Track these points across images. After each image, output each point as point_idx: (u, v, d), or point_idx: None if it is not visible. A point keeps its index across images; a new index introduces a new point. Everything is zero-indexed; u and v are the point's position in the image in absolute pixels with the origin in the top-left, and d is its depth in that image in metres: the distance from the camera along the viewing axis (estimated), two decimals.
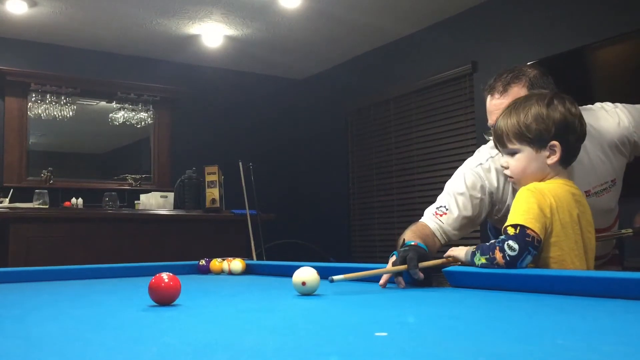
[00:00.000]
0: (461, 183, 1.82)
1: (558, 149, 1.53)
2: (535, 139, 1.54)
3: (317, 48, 5.40)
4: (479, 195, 1.81)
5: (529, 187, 1.53)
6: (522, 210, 1.47)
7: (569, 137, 1.53)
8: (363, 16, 4.65)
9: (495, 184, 1.81)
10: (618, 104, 1.92)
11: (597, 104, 1.93)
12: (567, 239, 1.50)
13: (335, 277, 1.49)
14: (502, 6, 4.34)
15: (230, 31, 4.93)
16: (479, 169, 1.83)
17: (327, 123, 6.03)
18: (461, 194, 1.81)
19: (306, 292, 1.44)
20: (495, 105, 1.81)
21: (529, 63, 3.85)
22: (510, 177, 1.65)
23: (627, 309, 1.08)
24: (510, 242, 1.42)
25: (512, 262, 1.42)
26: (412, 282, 1.55)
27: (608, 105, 1.91)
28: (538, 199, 1.48)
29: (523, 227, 1.44)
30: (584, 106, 1.89)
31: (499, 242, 1.45)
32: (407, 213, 5.08)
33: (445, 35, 4.78)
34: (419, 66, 5.00)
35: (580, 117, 1.55)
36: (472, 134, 4.55)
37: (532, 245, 1.43)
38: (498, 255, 1.43)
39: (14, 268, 2.35)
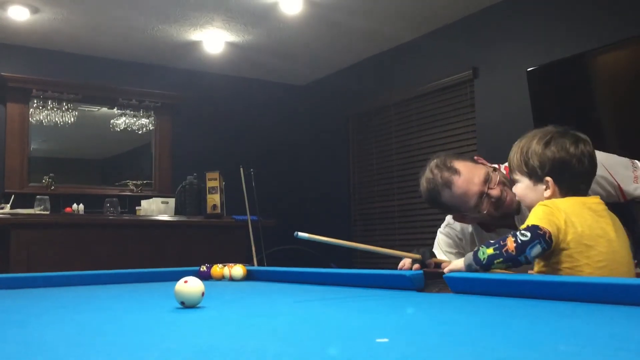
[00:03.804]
0: (438, 250, 2.12)
1: (551, 185, 1.64)
2: (531, 173, 1.67)
3: (318, 54, 5.41)
4: (455, 250, 2.11)
5: (543, 202, 1.61)
6: (534, 218, 1.54)
7: (564, 174, 1.64)
8: (364, 22, 4.66)
9: (459, 227, 2.12)
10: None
11: None
12: (584, 251, 1.52)
13: (300, 234, 1.58)
14: (502, 12, 4.35)
15: (232, 37, 4.94)
16: (447, 229, 2.13)
17: (328, 129, 6.03)
18: (443, 252, 2.12)
19: (189, 304, 1.35)
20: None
21: (529, 69, 3.88)
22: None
23: (629, 315, 1.08)
24: (523, 231, 1.49)
25: (522, 246, 1.46)
26: (414, 287, 1.56)
27: None
28: (550, 210, 1.55)
29: (535, 225, 1.50)
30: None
31: (513, 233, 1.50)
32: (408, 219, 5.07)
33: (445, 41, 4.79)
34: (420, 72, 5.01)
35: (581, 156, 1.64)
36: (472, 139, 4.55)
37: (543, 237, 1.48)
38: (510, 241, 1.47)
39: (15, 274, 2.35)
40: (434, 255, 1.88)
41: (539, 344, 0.85)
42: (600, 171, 1.85)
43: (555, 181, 1.64)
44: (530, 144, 1.68)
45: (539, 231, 1.48)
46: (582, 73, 3.72)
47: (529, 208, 1.69)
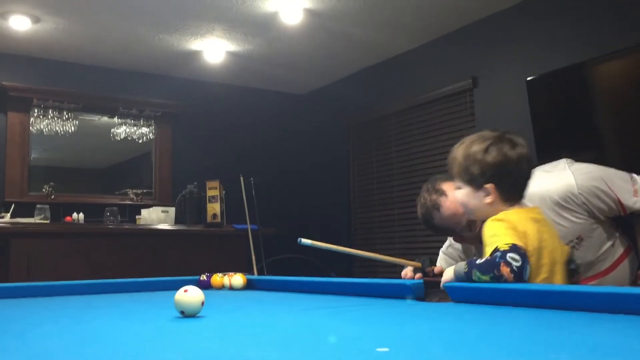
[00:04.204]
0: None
1: (492, 191, 1.63)
2: (472, 180, 1.66)
3: (318, 63, 5.42)
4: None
5: (495, 218, 1.59)
6: (501, 235, 1.51)
7: (504, 180, 1.63)
8: (364, 32, 4.68)
9: (460, 246, 2.11)
10: (577, 164, 1.97)
11: (562, 162, 1.98)
12: (533, 263, 1.53)
13: (304, 240, 1.57)
14: (502, 21, 4.37)
15: (232, 47, 4.96)
16: (450, 249, 2.12)
17: (328, 138, 6.04)
18: None
19: (189, 313, 1.35)
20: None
21: (529, 78, 3.89)
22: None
23: (630, 325, 1.08)
24: (511, 254, 1.43)
25: (519, 274, 1.42)
26: (415, 297, 1.56)
27: (560, 163, 1.99)
28: (510, 224, 1.55)
29: (514, 245, 1.47)
30: (543, 167, 2.03)
31: (499, 257, 1.44)
32: (408, 227, 5.07)
33: (445, 50, 4.80)
34: (420, 81, 5.02)
35: (519, 160, 1.63)
36: None
37: (526, 256, 1.46)
38: (505, 270, 1.42)
39: (15, 283, 2.34)
40: (433, 264, 1.89)
41: (540, 354, 0.84)
42: (600, 185, 1.86)
43: (496, 187, 1.63)
44: (469, 151, 1.67)
45: (521, 251, 1.45)
46: (581, 82, 3.73)
47: (472, 216, 1.71)
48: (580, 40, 3.83)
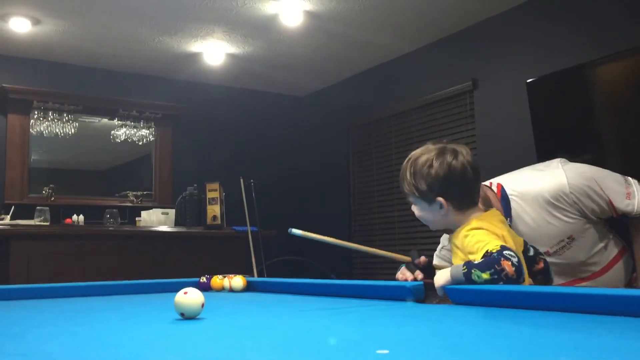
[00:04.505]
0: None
1: (444, 203, 1.67)
2: (423, 196, 1.71)
3: (318, 65, 5.43)
4: None
5: (472, 227, 1.63)
6: (486, 240, 1.54)
7: (452, 190, 1.67)
8: (364, 34, 4.68)
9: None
10: (570, 163, 1.96)
11: (555, 161, 1.98)
12: None
13: (294, 230, 1.70)
14: (502, 24, 4.37)
15: (232, 49, 4.96)
16: (443, 251, 2.07)
17: (328, 139, 6.04)
18: None
19: (188, 315, 1.35)
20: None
21: (529, 80, 3.89)
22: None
23: (630, 327, 1.08)
24: (507, 252, 1.46)
25: (519, 268, 1.44)
26: (415, 299, 1.56)
27: (554, 162, 1.98)
28: (490, 230, 1.59)
29: (504, 246, 1.50)
30: (537, 165, 2.05)
31: (497, 254, 1.46)
32: (408, 230, 5.07)
33: (445, 52, 4.81)
34: (420, 83, 5.03)
35: (463, 169, 1.66)
36: (472, 150, 4.55)
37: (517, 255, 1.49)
38: (506, 263, 1.43)
39: (14, 285, 2.34)
40: (422, 255, 1.86)
41: (540, 355, 0.84)
42: (591, 184, 1.86)
43: (447, 198, 1.67)
44: (414, 169, 1.71)
45: (511, 251, 1.48)
46: (582, 84, 3.73)
47: (433, 228, 1.75)
48: (581, 42, 3.83)
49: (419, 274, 1.75)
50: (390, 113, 5.30)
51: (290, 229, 1.66)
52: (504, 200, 1.89)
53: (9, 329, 1.34)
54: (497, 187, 1.92)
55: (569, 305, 1.27)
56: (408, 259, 1.80)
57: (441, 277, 1.54)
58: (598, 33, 3.75)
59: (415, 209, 1.78)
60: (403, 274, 1.81)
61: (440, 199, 1.67)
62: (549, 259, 1.80)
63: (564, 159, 1.97)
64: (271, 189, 5.64)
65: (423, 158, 1.71)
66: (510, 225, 1.81)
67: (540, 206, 1.86)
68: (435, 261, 2.13)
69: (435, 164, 1.67)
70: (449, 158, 1.67)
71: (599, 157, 3.44)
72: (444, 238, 2.09)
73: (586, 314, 1.22)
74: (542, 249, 1.82)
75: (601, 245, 1.92)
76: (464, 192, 1.68)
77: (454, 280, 1.49)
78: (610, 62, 3.59)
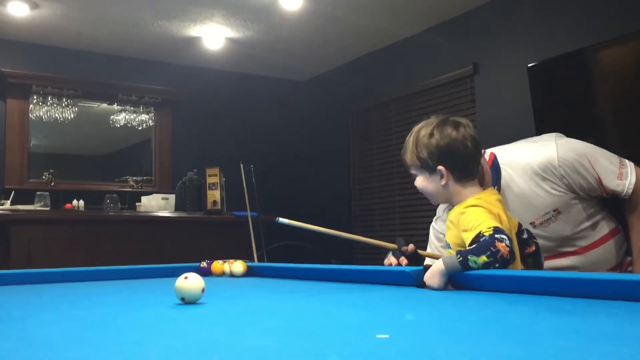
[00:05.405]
0: (432, 246, 2.12)
1: (445, 172, 1.72)
2: (424, 165, 1.76)
3: (318, 50, 5.40)
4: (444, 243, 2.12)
5: (470, 204, 1.65)
6: (481, 220, 1.56)
7: (452, 160, 1.72)
8: (364, 18, 4.65)
9: (445, 217, 2.09)
10: (565, 138, 1.96)
11: (551, 135, 1.99)
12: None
13: (281, 219, 1.72)
14: (503, 8, 4.34)
15: (232, 33, 4.93)
16: (439, 222, 2.08)
17: (328, 124, 6.03)
18: (436, 247, 2.12)
19: (189, 300, 1.34)
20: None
21: (529, 65, 3.87)
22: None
23: (629, 311, 1.08)
24: (499, 234, 1.48)
25: (512, 250, 1.47)
26: (415, 283, 1.56)
27: (549, 136, 1.99)
28: (487, 208, 1.62)
29: (497, 227, 1.52)
30: (533, 138, 2.06)
31: (489, 237, 1.48)
32: (408, 215, 5.08)
33: (446, 36, 4.78)
34: (420, 68, 5.01)
35: (464, 140, 1.71)
36: None
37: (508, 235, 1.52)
38: (500, 245, 1.45)
39: (15, 270, 2.35)
40: (408, 243, 1.85)
41: (539, 339, 0.85)
42: (582, 160, 1.86)
43: (447, 168, 1.72)
44: (417, 139, 1.77)
45: (504, 233, 1.50)
46: (583, 68, 3.71)
47: (440, 199, 1.80)
48: (582, 27, 3.81)
49: (404, 260, 1.77)
50: (390, 98, 5.28)
51: (277, 218, 1.70)
52: (495, 168, 1.90)
53: (10, 313, 1.35)
54: (490, 155, 1.94)
55: (569, 290, 1.28)
56: (394, 246, 1.81)
57: (434, 276, 1.50)
58: (599, 17, 3.73)
59: (417, 181, 1.82)
60: (389, 260, 1.83)
61: (441, 167, 1.72)
62: (534, 231, 1.83)
63: (560, 134, 1.97)
64: (271, 174, 5.64)
65: (425, 129, 1.76)
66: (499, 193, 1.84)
67: (528, 177, 1.88)
68: (430, 234, 2.13)
69: (437, 134, 1.72)
70: (449, 129, 1.72)
71: (600, 141, 3.39)
72: (440, 209, 2.09)
73: (585, 298, 1.22)
74: (528, 220, 1.86)
75: (589, 223, 1.92)
76: (463, 163, 1.72)
77: (450, 271, 1.48)
78: (611, 46, 3.57)
